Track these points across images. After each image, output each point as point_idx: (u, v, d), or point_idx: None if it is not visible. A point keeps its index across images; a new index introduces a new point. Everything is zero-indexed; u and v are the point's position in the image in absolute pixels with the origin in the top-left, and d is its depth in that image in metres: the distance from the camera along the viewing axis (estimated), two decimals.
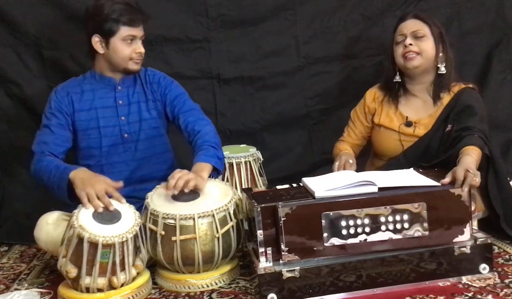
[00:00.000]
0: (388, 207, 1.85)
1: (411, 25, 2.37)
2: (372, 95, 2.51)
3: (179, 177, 1.99)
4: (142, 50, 2.28)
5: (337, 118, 2.86)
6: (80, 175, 2.03)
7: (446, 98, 2.36)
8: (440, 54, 2.36)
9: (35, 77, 2.79)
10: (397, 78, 2.42)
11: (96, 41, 2.25)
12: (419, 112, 2.40)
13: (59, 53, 2.77)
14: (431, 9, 2.89)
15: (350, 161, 2.35)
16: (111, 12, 2.21)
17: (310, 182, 2.01)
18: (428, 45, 2.34)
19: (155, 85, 2.37)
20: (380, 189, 1.89)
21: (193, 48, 2.86)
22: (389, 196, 1.87)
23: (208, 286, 2.00)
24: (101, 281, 1.86)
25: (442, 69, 2.35)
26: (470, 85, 2.39)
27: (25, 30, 2.75)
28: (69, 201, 2.06)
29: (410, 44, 2.33)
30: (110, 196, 1.99)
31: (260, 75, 2.92)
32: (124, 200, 2.01)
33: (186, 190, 1.99)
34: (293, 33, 2.91)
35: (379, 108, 2.47)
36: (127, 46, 2.24)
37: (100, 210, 1.92)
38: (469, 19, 2.93)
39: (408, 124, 2.37)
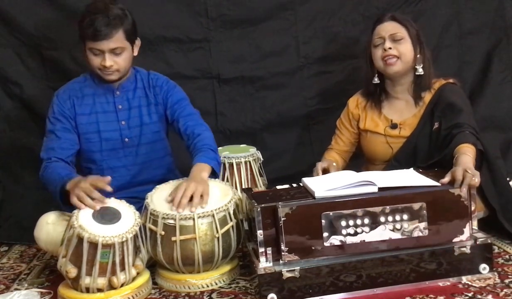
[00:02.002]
0: (387, 207, 1.85)
1: (389, 28, 2.36)
2: (355, 101, 2.53)
3: (184, 194, 1.97)
4: (107, 64, 2.18)
5: (337, 118, 2.86)
6: (73, 182, 2.01)
7: (427, 96, 2.37)
8: (418, 56, 2.36)
9: (35, 77, 2.79)
10: (376, 80, 2.43)
11: (83, 49, 2.25)
12: (403, 113, 2.41)
13: (59, 53, 2.77)
14: (431, 9, 2.89)
15: (334, 164, 2.36)
16: (82, 23, 2.18)
17: (310, 182, 2.01)
18: (406, 48, 2.34)
19: (157, 89, 2.37)
20: (380, 189, 1.89)
21: (193, 48, 2.86)
22: (389, 196, 1.87)
23: (208, 286, 2.00)
24: (101, 281, 1.86)
25: (420, 71, 2.36)
26: (451, 80, 2.39)
27: (25, 30, 2.74)
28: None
29: (390, 48, 2.33)
30: (107, 196, 1.99)
31: (260, 75, 2.92)
32: (109, 188, 1.98)
33: (193, 209, 1.96)
34: (293, 33, 2.91)
35: (362, 114, 2.49)
36: (95, 57, 2.21)
37: (97, 208, 1.92)
38: (469, 19, 2.92)
39: (393, 126, 2.39)
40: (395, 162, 2.31)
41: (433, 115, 2.28)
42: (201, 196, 1.99)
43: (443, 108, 2.26)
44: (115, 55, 2.21)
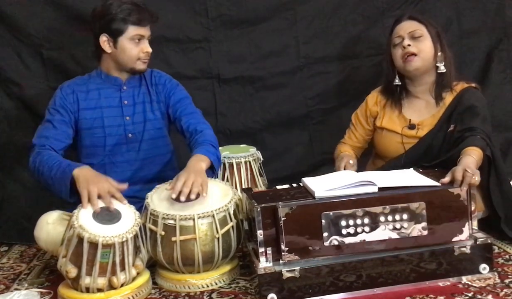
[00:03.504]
0: (387, 206, 1.85)
1: (407, 26, 2.36)
2: (374, 98, 2.51)
3: (185, 184, 1.98)
4: (150, 49, 2.31)
5: (337, 118, 2.87)
6: (84, 173, 2.03)
7: (448, 97, 2.35)
8: (439, 53, 2.35)
9: (35, 77, 2.79)
10: (397, 81, 2.41)
11: (104, 40, 2.27)
12: (422, 113, 2.39)
13: (59, 53, 2.77)
14: (431, 9, 2.89)
15: (351, 161, 2.35)
16: (119, 11, 2.23)
17: (310, 182, 2.01)
18: (426, 45, 2.34)
19: (160, 87, 2.39)
20: (380, 189, 1.89)
21: (193, 48, 2.86)
22: (389, 196, 1.87)
23: (208, 286, 2.00)
24: (101, 281, 1.86)
25: (442, 68, 2.34)
26: (473, 85, 2.38)
27: (25, 30, 2.75)
28: (68, 198, 2.05)
29: (409, 45, 2.32)
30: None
31: (260, 75, 2.92)
32: (125, 201, 2.00)
33: (192, 196, 1.98)
34: (293, 33, 2.91)
35: (381, 112, 2.47)
36: (135, 45, 2.27)
37: (98, 210, 1.92)
38: (469, 19, 2.92)
39: (411, 126, 2.36)
40: (405, 158, 2.30)
41: (451, 118, 2.26)
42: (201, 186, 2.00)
43: (461, 111, 2.24)
44: (148, 44, 2.31)
